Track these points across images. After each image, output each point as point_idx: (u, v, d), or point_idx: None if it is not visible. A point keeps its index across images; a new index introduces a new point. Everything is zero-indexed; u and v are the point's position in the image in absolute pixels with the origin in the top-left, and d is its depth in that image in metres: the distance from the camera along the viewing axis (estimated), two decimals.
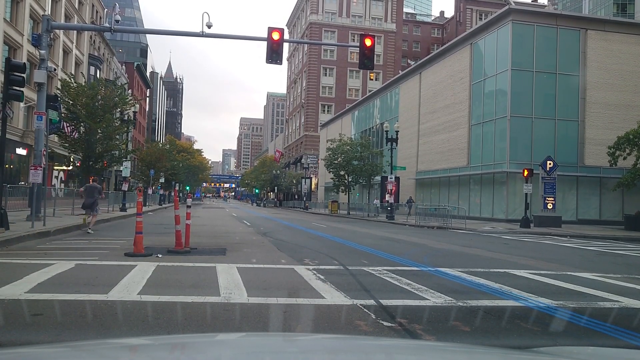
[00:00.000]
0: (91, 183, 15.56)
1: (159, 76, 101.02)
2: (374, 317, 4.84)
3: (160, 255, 8.91)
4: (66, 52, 38.54)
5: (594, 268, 9.58)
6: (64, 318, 4.57)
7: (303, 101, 77.87)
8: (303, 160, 71.48)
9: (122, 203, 26.13)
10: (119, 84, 25.48)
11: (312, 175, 66.72)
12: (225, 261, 8.51)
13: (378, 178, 39.18)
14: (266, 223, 23.09)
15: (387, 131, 34.68)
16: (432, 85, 37.62)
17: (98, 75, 43.63)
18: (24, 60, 28.34)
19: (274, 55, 16.02)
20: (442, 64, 36.46)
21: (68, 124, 20.94)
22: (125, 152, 25.37)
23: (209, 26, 16.09)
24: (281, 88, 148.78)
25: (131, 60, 71.88)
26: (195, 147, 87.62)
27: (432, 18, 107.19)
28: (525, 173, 23.52)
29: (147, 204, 36.57)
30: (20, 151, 30.21)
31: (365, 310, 5.14)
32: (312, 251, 10.87)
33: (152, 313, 4.80)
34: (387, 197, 30.89)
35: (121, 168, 28.06)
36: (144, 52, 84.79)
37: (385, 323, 4.65)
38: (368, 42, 16.47)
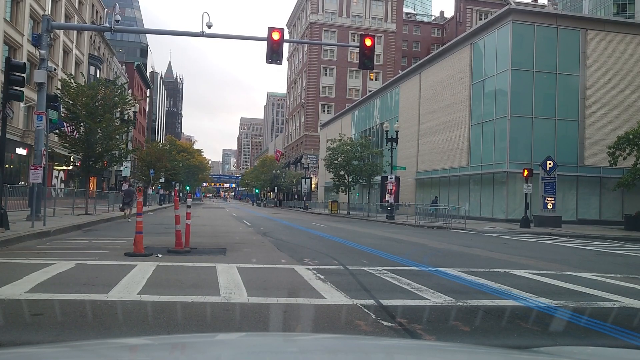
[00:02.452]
0: (128, 187, 19.68)
1: (159, 76, 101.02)
2: (374, 317, 4.84)
3: (160, 255, 8.91)
4: (66, 52, 38.54)
5: (593, 268, 9.58)
6: (64, 318, 4.57)
7: (303, 101, 77.87)
8: (303, 160, 71.50)
9: (122, 203, 26.13)
10: (119, 84, 25.41)
11: (312, 175, 66.72)
12: (225, 261, 8.51)
13: (378, 178, 39.18)
14: (266, 223, 23.09)
15: (387, 131, 34.69)
16: (432, 85, 37.62)
17: (98, 75, 43.64)
18: (24, 60, 28.32)
19: (274, 55, 16.02)
20: (442, 64, 36.46)
21: (68, 124, 20.91)
22: (125, 152, 25.35)
23: (209, 26, 16.09)
24: (281, 88, 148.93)
25: (131, 60, 71.85)
26: (195, 147, 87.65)
27: (432, 18, 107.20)
28: (525, 173, 23.53)
29: (147, 204, 36.56)
30: (20, 151, 30.21)
31: (365, 310, 5.14)
32: (312, 251, 10.87)
33: (152, 313, 4.80)
34: (387, 197, 30.88)
35: (121, 168, 28.09)
36: (144, 52, 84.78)
37: (385, 323, 4.65)
38: (368, 42, 16.47)
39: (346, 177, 38.97)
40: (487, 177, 30.37)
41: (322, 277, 7.07)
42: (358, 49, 16.90)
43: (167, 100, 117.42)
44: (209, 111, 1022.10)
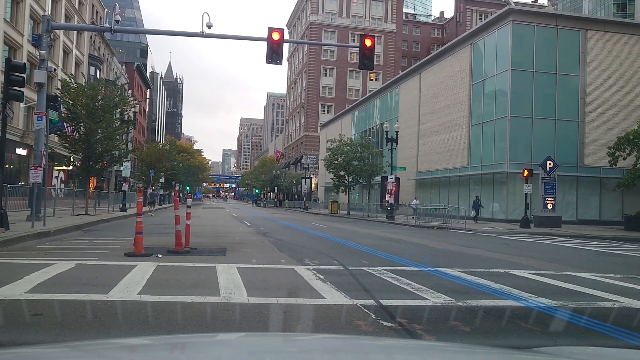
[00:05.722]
0: (152, 191, 20.48)
1: (159, 76, 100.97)
2: (374, 317, 4.84)
3: (160, 255, 8.91)
4: (66, 52, 38.53)
5: (593, 268, 9.59)
6: (64, 318, 4.56)
7: (303, 101, 77.87)
8: (303, 161, 71.44)
9: (122, 203, 26.15)
10: (119, 84, 25.40)
11: (312, 175, 66.72)
12: (225, 261, 8.51)
13: (378, 178, 39.19)
14: (266, 223, 23.09)
15: (387, 131, 34.69)
16: (432, 86, 37.63)
17: (98, 76, 43.61)
18: (24, 60, 28.29)
19: (274, 55, 16.02)
20: (442, 64, 36.47)
21: (68, 124, 20.91)
22: (126, 152, 25.34)
23: (209, 26, 16.09)
24: (281, 88, 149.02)
25: (131, 60, 71.81)
26: (195, 147, 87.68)
27: (432, 18, 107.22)
28: (525, 173, 23.53)
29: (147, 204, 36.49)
30: (20, 151, 30.18)
31: (365, 310, 5.13)
32: (312, 251, 10.87)
33: (152, 313, 4.80)
34: (387, 197, 30.87)
35: (121, 168, 28.06)
36: (144, 52, 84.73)
37: (385, 323, 4.64)
38: (368, 43, 16.47)
39: (346, 178, 38.97)
40: (487, 177, 30.36)
41: (322, 277, 7.07)
42: (358, 49, 16.89)
43: (167, 100, 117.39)
44: (209, 110, 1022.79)
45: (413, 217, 28.68)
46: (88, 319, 4.60)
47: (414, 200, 32.90)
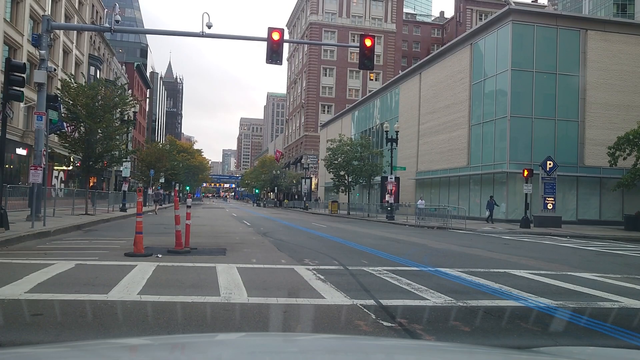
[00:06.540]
0: (157, 191, 22.05)
1: (159, 76, 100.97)
2: (374, 317, 4.83)
3: (160, 255, 8.91)
4: (66, 52, 38.53)
5: (593, 268, 9.59)
6: (64, 318, 4.56)
7: (303, 101, 77.88)
8: (303, 161, 71.48)
9: (122, 203, 26.14)
10: (119, 84, 25.41)
11: (312, 175, 66.72)
12: (225, 261, 8.51)
13: (378, 178, 39.19)
14: (266, 223, 23.09)
15: (387, 131, 34.70)
16: (432, 86, 37.63)
17: (98, 76, 43.61)
18: (24, 60, 28.31)
19: (274, 55, 16.02)
20: (442, 64, 36.47)
21: (68, 124, 20.91)
22: (126, 152, 25.33)
23: (209, 26, 16.09)
24: (281, 88, 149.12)
25: (131, 60, 71.81)
26: (195, 147, 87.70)
27: (432, 18, 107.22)
28: (525, 173, 23.53)
29: (147, 204, 36.56)
30: (20, 151, 30.19)
31: (365, 310, 5.13)
32: (312, 251, 10.86)
33: (152, 313, 4.80)
34: (387, 197, 30.86)
35: (121, 168, 28.07)
36: (144, 52, 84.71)
37: (385, 323, 4.64)
38: (368, 43, 16.47)
39: (346, 178, 38.98)
40: (487, 177, 30.36)
41: (322, 277, 7.07)
42: (358, 49, 16.90)
43: (167, 100, 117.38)
44: (209, 110, 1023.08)
45: (419, 218, 27.50)
46: (88, 319, 4.60)
47: (420, 200, 31.63)
